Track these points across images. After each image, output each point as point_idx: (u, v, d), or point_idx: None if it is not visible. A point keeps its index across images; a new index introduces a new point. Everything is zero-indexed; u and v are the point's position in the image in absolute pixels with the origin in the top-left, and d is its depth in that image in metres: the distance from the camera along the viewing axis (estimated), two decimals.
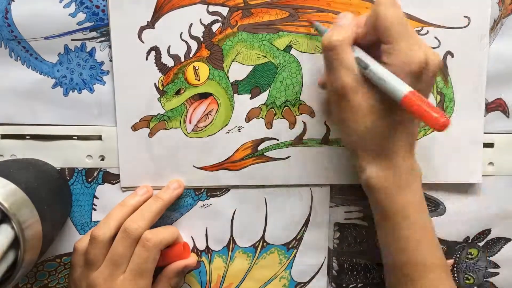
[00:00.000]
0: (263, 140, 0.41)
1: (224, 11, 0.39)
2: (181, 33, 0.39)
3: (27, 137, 0.40)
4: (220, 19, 0.39)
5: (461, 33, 0.40)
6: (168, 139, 0.41)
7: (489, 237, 0.44)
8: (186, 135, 0.41)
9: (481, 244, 0.44)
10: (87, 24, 0.39)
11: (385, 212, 0.34)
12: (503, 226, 0.44)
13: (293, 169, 0.41)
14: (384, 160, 0.33)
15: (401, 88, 0.30)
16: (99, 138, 0.40)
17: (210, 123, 0.41)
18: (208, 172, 0.41)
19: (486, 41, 0.40)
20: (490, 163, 0.42)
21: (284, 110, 0.41)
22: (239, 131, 0.41)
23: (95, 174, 0.41)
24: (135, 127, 0.40)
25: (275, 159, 0.41)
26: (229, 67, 0.40)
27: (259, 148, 0.41)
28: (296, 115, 0.41)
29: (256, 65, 0.40)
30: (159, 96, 0.40)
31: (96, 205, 0.41)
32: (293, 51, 0.40)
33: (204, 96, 0.40)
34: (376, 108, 0.32)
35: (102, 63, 0.40)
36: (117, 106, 0.40)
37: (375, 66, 0.31)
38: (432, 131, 0.41)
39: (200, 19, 0.39)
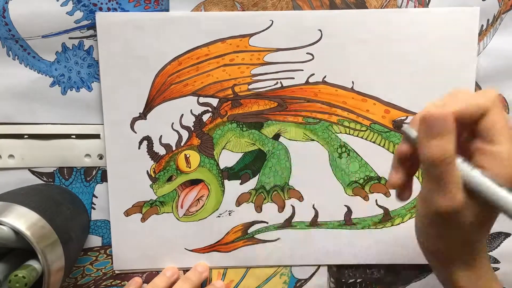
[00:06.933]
0: (253, 223, 0.42)
1: (214, 102, 0.40)
2: (173, 123, 0.40)
3: (25, 136, 0.40)
4: (210, 109, 0.40)
5: None
6: (160, 223, 0.42)
7: None
8: (178, 219, 0.42)
9: None
10: (85, 22, 0.39)
11: None
12: (503, 221, 0.41)
13: (283, 250, 0.42)
14: (472, 262, 0.32)
15: None
16: (98, 136, 0.40)
17: (201, 207, 0.42)
18: (200, 254, 0.42)
19: None
20: None
21: (273, 194, 0.42)
22: (229, 215, 0.42)
23: (94, 173, 0.41)
24: (127, 213, 0.41)
25: (264, 241, 0.42)
26: (219, 155, 0.41)
27: (249, 230, 0.42)
28: (285, 199, 0.42)
29: (246, 152, 0.41)
30: (151, 182, 0.41)
31: (95, 204, 0.42)
32: (281, 139, 0.41)
33: (195, 182, 0.41)
34: (476, 221, 0.30)
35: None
36: (110, 192, 0.41)
37: (489, 187, 0.28)
38: None
39: (191, 110, 0.40)
